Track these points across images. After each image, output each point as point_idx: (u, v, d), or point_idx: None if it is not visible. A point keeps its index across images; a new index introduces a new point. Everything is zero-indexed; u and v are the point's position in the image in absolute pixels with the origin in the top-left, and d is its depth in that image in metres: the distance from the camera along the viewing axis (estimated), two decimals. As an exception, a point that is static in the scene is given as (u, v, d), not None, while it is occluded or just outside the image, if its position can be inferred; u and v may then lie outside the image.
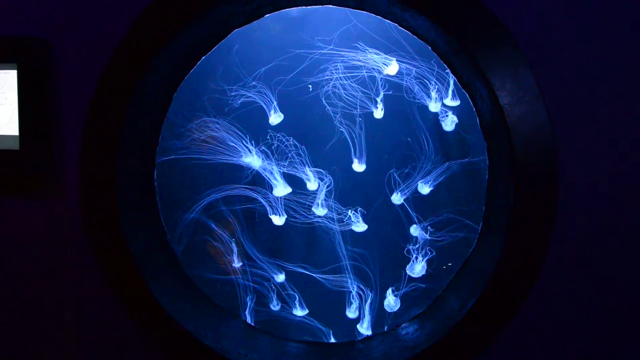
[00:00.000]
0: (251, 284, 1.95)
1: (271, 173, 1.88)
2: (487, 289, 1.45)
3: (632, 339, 1.47)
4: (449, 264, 1.73)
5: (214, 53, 1.68)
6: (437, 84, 1.80)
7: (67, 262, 1.57)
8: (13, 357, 1.63)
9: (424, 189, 1.86)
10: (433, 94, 1.82)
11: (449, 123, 1.82)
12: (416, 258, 1.84)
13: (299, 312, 1.95)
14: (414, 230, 1.87)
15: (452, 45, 1.47)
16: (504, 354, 1.50)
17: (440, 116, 1.83)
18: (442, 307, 1.65)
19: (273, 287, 1.95)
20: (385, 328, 1.85)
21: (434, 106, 1.84)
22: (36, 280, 1.59)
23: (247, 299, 1.95)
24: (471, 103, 1.60)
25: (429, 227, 1.85)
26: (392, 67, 1.80)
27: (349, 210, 1.88)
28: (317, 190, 1.89)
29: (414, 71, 1.81)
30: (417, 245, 1.85)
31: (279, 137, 1.86)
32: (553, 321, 1.48)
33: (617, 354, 1.47)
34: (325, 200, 1.89)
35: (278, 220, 1.91)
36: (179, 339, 1.56)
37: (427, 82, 1.81)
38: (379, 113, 1.84)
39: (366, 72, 1.83)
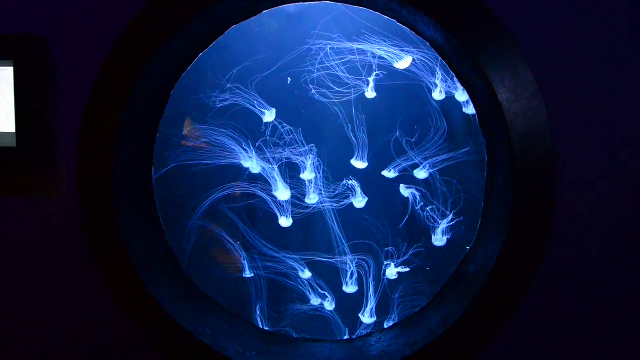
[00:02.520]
0: (262, 272, 1.94)
1: (272, 177, 1.88)
2: (486, 286, 1.45)
3: (631, 337, 1.46)
4: (467, 247, 1.72)
5: (208, 52, 1.68)
6: (443, 73, 1.80)
7: (64, 261, 1.57)
8: (10, 358, 1.63)
9: (421, 173, 1.86)
10: (438, 82, 1.81)
11: (471, 107, 1.80)
12: (436, 227, 1.84)
13: (329, 306, 1.94)
14: (404, 190, 1.86)
15: (451, 42, 1.46)
16: (503, 352, 1.50)
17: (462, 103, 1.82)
18: (441, 305, 1.65)
19: (297, 282, 1.95)
20: (390, 322, 1.85)
21: (438, 94, 1.84)
22: (32, 279, 1.59)
23: (262, 298, 1.94)
24: (470, 99, 1.59)
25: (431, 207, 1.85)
26: (405, 62, 1.80)
27: (346, 183, 1.87)
28: (313, 179, 1.89)
29: (416, 58, 1.81)
30: (438, 212, 1.84)
31: (274, 124, 1.85)
32: (552, 319, 1.48)
33: (616, 352, 1.47)
34: (320, 187, 1.89)
35: (285, 221, 1.91)
36: (178, 338, 1.56)
37: (432, 70, 1.81)
38: (370, 93, 1.84)
39: (369, 58, 1.83)
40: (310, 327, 1.96)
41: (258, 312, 1.93)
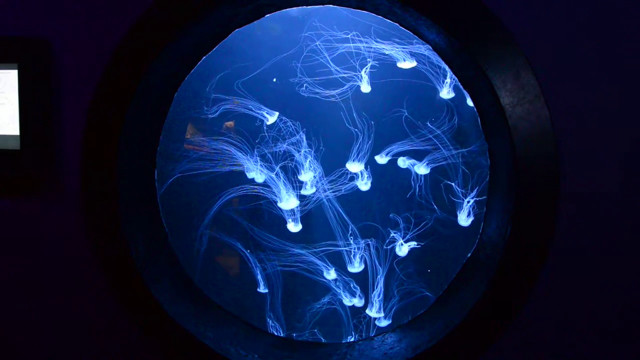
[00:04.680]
0: (278, 267, 1.94)
1: (276, 185, 1.88)
2: (488, 291, 1.45)
3: (631, 340, 1.46)
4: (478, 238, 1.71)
5: (212, 56, 1.69)
6: (452, 74, 1.80)
7: (67, 263, 1.57)
8: (12, 358, 1.63)
9: (421, 169, 1.86)
10: (448, 80, 1.81)
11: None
12: (462, 209, 1.83)
13: (356, 301, 1.94)
14: (401, 162, 1.86)
15: (453, 45, 1.46)
16: (504, 357, 1.49)
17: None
18: (442, 309, 1.65)
19: (319, 283, 1.94)
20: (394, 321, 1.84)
21: (446, 93, 1.84)
22: (36, 280, 1.59)
23: (274, 301, 1.94)
24: (472, 103, 1.59)
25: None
26: (408, 63, 1.80)
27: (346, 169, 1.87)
28: (310, 180, 1.89)
29: (426, 54, 1.81)
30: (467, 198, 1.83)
31: (280, 121, 1.86)
32: (553, 323, 1.47)
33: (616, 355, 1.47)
34: (318, 177, 1.89)
35: (294, 227, 1.91)
36: (180, 339, 1.56)
37: (440, 71, 1.81)
38: (365, 87, 1.85)
39: (367, 54, 1.83)
40: (321, 325, 1.96)
41: (270, 319, 1.92)
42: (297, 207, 1.91)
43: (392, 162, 1.90)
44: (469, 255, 1.68)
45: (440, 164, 1.86)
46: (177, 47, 1.54)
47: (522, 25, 1.39)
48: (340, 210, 1.91)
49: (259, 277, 1.94)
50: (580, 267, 1.44)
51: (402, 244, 1.89)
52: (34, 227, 1.58)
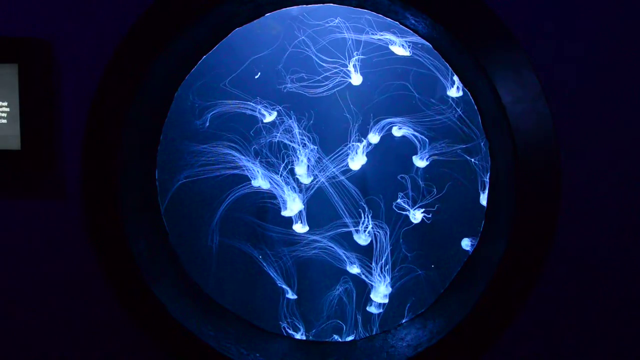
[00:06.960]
0: (291, 259, 1.94)
1: (281, 191, 1.88)
2: (488, 291, 1.45)
3: (631, 340, 1.46)
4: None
5: (212, 54, 1.69)
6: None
7: (68, 262, 1.58)
8: (13, 358, 1.63)
9: (420, 162, 1.86)
10: (456, 80, 1.81)
11: None
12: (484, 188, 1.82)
13: (383, 288, 1.94)
14: (396, 130, 1.85)
15: (454, 44, 1.46)
16: (505, 356, 1.49)
17: None
18: (443, 307, 1.65)
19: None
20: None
21: (455, 91, 1.84)
22: (37, 280, 1.60)
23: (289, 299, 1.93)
24: (473, 101, 1.59)
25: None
26: (401, 50, 1.80)
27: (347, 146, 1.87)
28: (309, 180, 1.89)
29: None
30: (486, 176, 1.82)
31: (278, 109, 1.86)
32: (553, 323, 1.47)
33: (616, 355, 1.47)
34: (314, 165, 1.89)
35: (301, 228, 1.91)
36: (181, 338, 1.56)
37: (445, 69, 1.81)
38: (355, 79, 1.85)
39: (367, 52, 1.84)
40: (340, 320, 1.96)
41: (286, 319, 1.92)
42: (302, 209, 1.91)
43: (391, 137, 1.89)
44: (470, 254, 1.68)
45: (441, 158, 1.86)
46: (177, 47, 1.54)
47: (523, 23, 1.39)
48: (349, 184, 1.90)
49: (278, 282, 1.94)
50: (581, 267, 1.44)
51: (414, 214, 1.87)
52: (34, 227, 1.58)
